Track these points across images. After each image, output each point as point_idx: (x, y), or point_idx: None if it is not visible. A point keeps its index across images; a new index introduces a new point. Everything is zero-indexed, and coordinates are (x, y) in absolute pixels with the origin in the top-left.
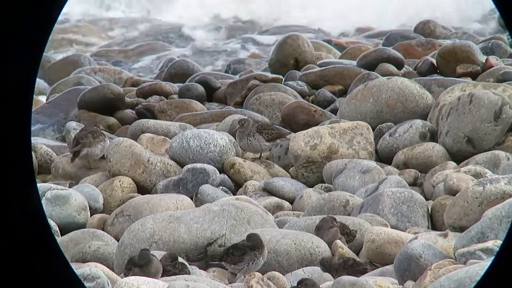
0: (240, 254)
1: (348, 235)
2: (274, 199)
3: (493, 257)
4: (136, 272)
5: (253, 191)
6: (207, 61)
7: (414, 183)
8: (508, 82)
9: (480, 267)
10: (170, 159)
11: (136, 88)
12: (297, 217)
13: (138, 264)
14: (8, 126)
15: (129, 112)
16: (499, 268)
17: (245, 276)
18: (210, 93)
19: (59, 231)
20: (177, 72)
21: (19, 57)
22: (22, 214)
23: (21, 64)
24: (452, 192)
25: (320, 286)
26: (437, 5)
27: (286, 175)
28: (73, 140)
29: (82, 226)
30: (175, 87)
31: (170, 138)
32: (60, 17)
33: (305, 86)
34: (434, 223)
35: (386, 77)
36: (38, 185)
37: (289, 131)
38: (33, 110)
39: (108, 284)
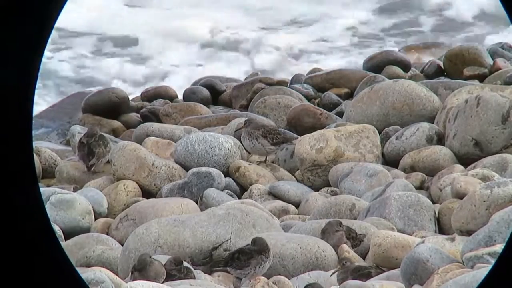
0: (246, 258)
1: (354, 239)
2: (279, 203)
3: (495, 260)
4: (136, 276)
5: (258, 195)
6: None
7: (421, 187)
8: None
9: (487, 271)
10: (175, 163)
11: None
12: (303, 221)
13: (137, 268)
14: (9, 129)
15: (133, 115)
16: (501, 270)
17: (250, 281)
18: (215, 96)
19: (63, 236)
20: None
21: (19, 56)
22: (25, 219)
23: (21, 64)
24: (460, 195)
25: None
26: None
27: (292, 179)
28: (83, 146)
29: (87, 230)
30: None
31: (175, 142)
32: None
33: (311, 89)
34: (441, 227)
35: (393, 79)
36: (43, 189)
37: (296, 136)
38: (37, 113)
39: None
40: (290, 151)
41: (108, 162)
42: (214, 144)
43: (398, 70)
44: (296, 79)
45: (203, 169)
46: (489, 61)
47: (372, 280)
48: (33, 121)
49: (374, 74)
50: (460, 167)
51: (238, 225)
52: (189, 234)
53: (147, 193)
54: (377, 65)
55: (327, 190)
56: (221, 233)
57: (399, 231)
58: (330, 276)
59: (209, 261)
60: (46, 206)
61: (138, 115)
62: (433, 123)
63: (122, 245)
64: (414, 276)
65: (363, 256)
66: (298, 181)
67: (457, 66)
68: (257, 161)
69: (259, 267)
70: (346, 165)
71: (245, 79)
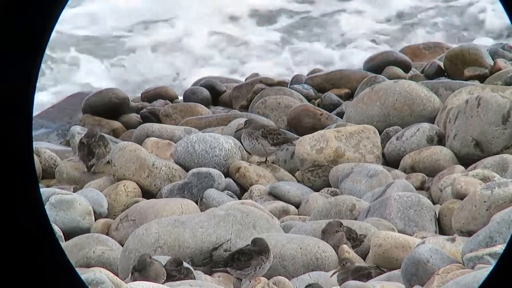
0: (246, 259)
1: (354, 240)
2: (280, 204)
3: (496, 260)
4: (136, 276)
5: (258, 195)
6: None
7: (421, 187)
8: None
9: (488, 272)
10: (175, 163)
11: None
12: (303, 222)
13: (137, 269)
14: (9, 129)
15: (134, 116)
16: (501, 271)
17: (250, 281)
18: (216, 97)
19: (63, 236)
20: None
21: (19, 56)
22: (25, 219)
23: (21, 64)
24: (460, 196)
25: None
26: None
27: (292, 179)
28: (83, 146)
29: (87, 231)
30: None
31: (175, 142)
32: None
33: (311, 90)
34: (442, 228)
35: (393, 80)
36: (43, 190)
37: (296, 136)
38: (37, 114)
39: None
40: (291, 152)
41: (108, 162)
42: (214, 144)
43: (398, 70)
44: (296, 79)
45: (203, 169)
46: (490, 61)
47: (373, 280)
48: (33, 121)
49: (374, 75)
50: (460, 167)
51: (238, 226)
52: (189, 234)
53: (147, 194)
54: (377, 66)
55: (328, 190)
56: (221, 233)
57: (399, 231)
58: (331, 276)
59: (209, 262)
60: (46, 207)
61: (138, 116)
62: (433, 123)
63: (122, 246)
64: (415, 277)
65: (364, 256)
66: (298, 181)
67: (457, 66)
68: (257, 162)
69: (259, 267)
70: (347, 165)
71: (245, 80)
